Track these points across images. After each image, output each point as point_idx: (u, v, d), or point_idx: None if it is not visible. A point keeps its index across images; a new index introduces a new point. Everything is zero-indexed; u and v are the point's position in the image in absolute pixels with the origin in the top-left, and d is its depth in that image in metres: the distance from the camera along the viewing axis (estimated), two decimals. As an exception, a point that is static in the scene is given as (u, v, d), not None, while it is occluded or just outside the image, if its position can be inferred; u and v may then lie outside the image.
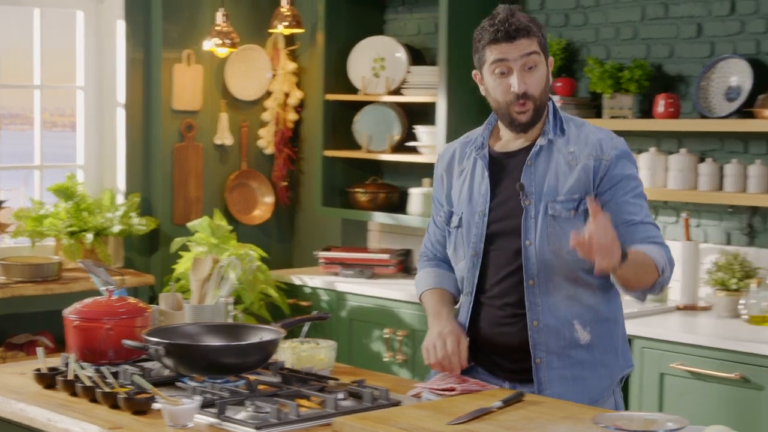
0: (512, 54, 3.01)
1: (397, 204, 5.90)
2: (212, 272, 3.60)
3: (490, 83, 3.08)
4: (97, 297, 3.41)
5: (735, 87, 4.76)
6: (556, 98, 5.14)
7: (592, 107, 5.16)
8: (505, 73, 3.04)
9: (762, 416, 4.15)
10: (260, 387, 3.01)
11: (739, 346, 4.17)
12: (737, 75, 4.76)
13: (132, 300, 3.42)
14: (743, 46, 4.82)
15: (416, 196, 5.67)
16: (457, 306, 3.25)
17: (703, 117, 4.79)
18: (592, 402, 3.02)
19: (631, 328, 4.09)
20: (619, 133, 3.27)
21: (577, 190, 3.02)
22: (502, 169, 3.11)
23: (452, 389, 2.97)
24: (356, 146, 5.94)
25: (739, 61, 4.75)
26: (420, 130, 5.62)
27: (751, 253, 4.73)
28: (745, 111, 4.67)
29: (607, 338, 3.09)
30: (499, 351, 3.11)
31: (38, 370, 3.16)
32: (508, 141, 3.13)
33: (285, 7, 6.07)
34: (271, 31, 6.15)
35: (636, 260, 2.89)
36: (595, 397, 3.05)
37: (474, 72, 3.15)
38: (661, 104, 4.82)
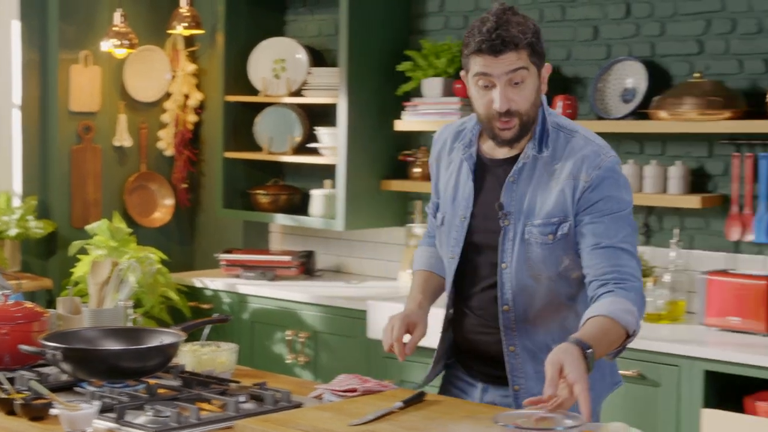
0: (496, 69, 2.77)
1: (299, 205, 5.90)
2: (111, 275, 3.56)
3: (473, 93, 2.86)
4: (-7, 302, 3.35)
5: (631, 89, 4.85)
6: (455, 100, 5.18)
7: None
8: (488, 87, 2.81)
9: (659, 412, 4.23)
10: (160, 391, 2.98)
11: (635, 344, 4.22)
12: (633, 77, 4.84)
13: (29, 304, 3.37)
14: (638, 48, 4.91)
15: (318, 197, 5.67)
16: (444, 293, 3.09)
17: (600, 118, 4.87)
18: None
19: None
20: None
21: (555, 213, 2.83)
22: (488, 176, 2.94)
23: (354, 390, 2.97)
24: (257, 148, 5.92)
25: (635, 63, 4.83)
26: (321, 131, 5.63)
27: (647, 252, 4.81)
28: (641, 112, 4.75)
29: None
30: (477, 356, 3.01)
31: (-68, 377, 3.10)
32: (495, 146, 2.93)
33: (184, 8, 6.03)
34: (170, 32, 6.11)
35: (606, 346, 2.66)
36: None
37: (462, 73, 2.92)
38: (559, 105, 4.88)
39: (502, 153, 2.91)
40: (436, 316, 3.10)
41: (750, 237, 4.60)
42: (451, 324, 3.05)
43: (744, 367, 4.07)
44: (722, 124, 4.49)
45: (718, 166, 4.73)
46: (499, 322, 2.91)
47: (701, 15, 4.74)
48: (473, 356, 3.02)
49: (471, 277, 2.96)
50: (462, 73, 2.90)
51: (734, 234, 4.63)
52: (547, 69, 2.87)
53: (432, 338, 3.09)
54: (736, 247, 4.69)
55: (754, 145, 4.61)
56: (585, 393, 2.48)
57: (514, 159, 2.90)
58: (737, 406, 4.13)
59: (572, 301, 2.91)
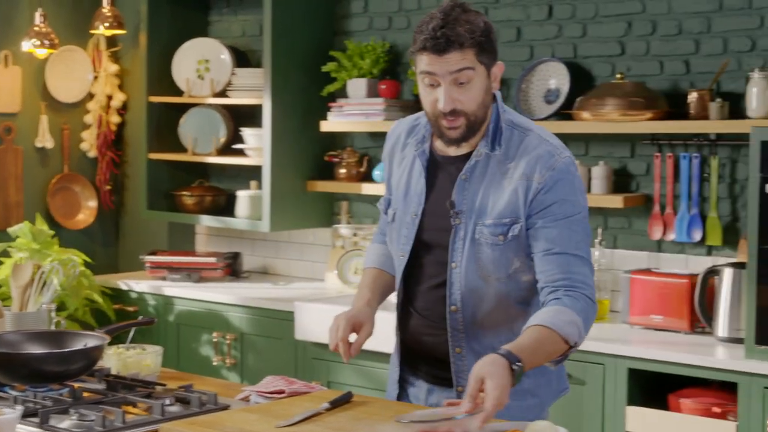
0: (440, 69, 2.72)
1: (224, 207, 5.87)
2: (34, 278, 3.52)
3: (420, 90, 2.81)
4: None
5: (554, 89, 4.89)
6: (380, 101, 5.19)
7: (416, 110, 5.22)
8: (433, 85, 2.76)
9: (584, 411, 4.27)
10: (85, 394, 2.96)
11: (560, 342, 4.28)
12: (556, 78, 4.89)
13: (-51, 309, 3.32)
14: (561, 49, 4.95)
15: (243, 198, 5.65)
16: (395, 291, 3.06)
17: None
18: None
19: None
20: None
21: (507, 214, 2.78)
22: (440, 174, 2.89)
23: (281, 392, 2.96)
24: (182, 149, 5.88)
25: (557, 64, 4.88)
26: (246, 132, 5.61)
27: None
28: (564, 113, 4.80)
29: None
30: (422, 356, 2.96)
31: None
32: None
33: (106, 8, 5.98)
34: (92, 32, 6.05)
35: (541, 357, 2.65)
36: (522, 426, 2.81)
37: (412, 68, 2.83)
38: (483, 106, 4.91)
39: (455, 150, 2.86)
40: (388, 319, 3.09)
41: (672, 236, 4.66)
42: (398, 324, 3.01)
43: (667, 365, 4.12)
44: (644, 124, 4.55)
45: (640, 166, 4.79)
46: (446, 323, 2.86)
47: (622, 17, 4.80)
48: (419, 356, 2.97)
49: (420, 276, 2.91)
50: (412, 69, 2.83)
51: (656, 233, 4.69)
52: (499, 67, 2.82)
53: (380, 342, 3.07)
54: (659, 247, 4.76)
55: (675, 145, 4.67)
56: (489, 411, 2.45)
57: (467, 156, 2.85)
58: (661, 404, 4.19)
59: (523, 306, 2.86)
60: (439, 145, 2.90)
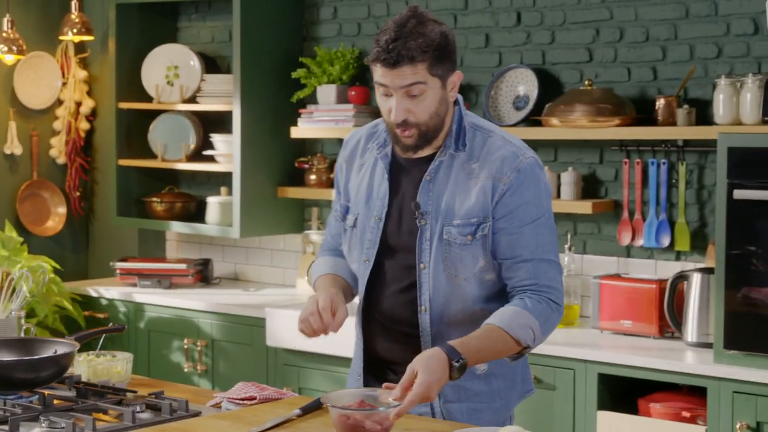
0: (392, 82, 2.74)
1: (195, 213, 5.86)
2: (3, 285, 3.51)
3: (377, 97, 2.83)
4: None
5: (523, 96, 4.92)
6: (349, 107, 5.20)
7: (387, 115, 5.24)
8: (388, 95, 2.78)
9: (554, 416, 4.29)
10: (55, 402, 2.94)
11: (530, 347, 4.30)
12: (524, 84, 4.91)
13: None
14: (530, 56, 4.98)
15: (214, 205, 5.65)
16: (354, 293, 3.05)
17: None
18: None
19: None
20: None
21: (475, 213, 2.80)
22: (403, 176, 2.90)
23: (252, 398, 2.96)
24: (152, 155, 5.87)
25: (526, 70, 4.90)
26: (216, 138, 5.60)
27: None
28: (533, 119, 4.82)
29: (504, 366, 2.90)
30: (389, 365, 2.94)
31: None
32: None
33: (74, 14, 5.96)
34: (61, 38, 6.03)
35: (488, 355, 2.73)
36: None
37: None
38: (452, 112, 4.92)
39: (419, 153, 2.87)
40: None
41: (640, 242, 4.69)
42: (362, 334, 3.00)
43: (637, 370, 4.15)
44: (612, 130, 4.57)
45: (609, 172, 4.82)
46: (415, 326, 2.86)
47: (590, 24, 4.83)
48: (384, 365, 2.96)
49: (384, 281, 2.90)
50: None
51: (625, 239, 4.72)
52: (458, 76, 2.83)
53: (351, 347, 3.06)
54: (628, 252, 4.79)
55: (643, 151, 4.70)
56: (405, 406, 2.53)
57: (430, 158, 2.86)
58: (631, 408, 4.21)
59: (487, 305, 2.86)
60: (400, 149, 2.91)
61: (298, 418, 2.78)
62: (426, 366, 2.59)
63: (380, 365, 2.98)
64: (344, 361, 4.57)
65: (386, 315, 2.93)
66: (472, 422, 2.86)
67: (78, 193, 6.22)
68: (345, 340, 3.16)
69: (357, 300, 3.03)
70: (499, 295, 2.88)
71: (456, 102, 2.88)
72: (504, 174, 2.80)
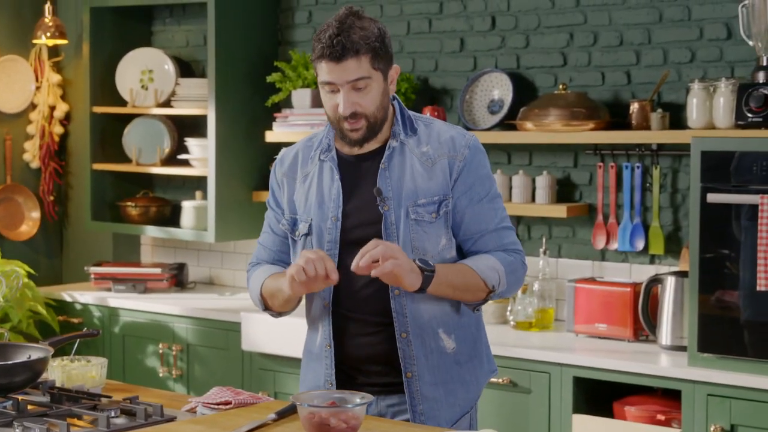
0: (339, 77, 2.85)
1: (169, 217, 5.85)
2: (-23, 291, 3.49)
3: (322, 96, 2.94)
4: None
5: (497, 100, 4.93)
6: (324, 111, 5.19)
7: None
8: (334, 91, 2.89)
9: (530, 419, 4.30)
10: (29, 407, 2.93)
11: (506, 351, 4.31)
12: (499, 88, 4.92)
13: None
14: (504, 60, 4.99)
15: (188, 209, 5.63)
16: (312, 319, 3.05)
17: (468, 129, 4.93)
18: (463, 413, 2.98)
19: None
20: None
21: (436, 191, 2.93)
22: (354, 173, 2.98)
23: (227, 403, 2.96)
24: (126, 159, 5.85)
25: (501, 75, 4.92)
26: (191, 142, 5.59)
27: (515, 260, 4.88)
28: (508, 123, 4.83)
29: (470, 345, 3.02)
30: (363, 363, 2.98)
31: None
32: None
33: (48, 18, 5.94)
34: (34, 41, 6.01)
35: (455, 281, 2.87)
36: (466, 408, 3.00)
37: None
38: (427, 116, 4.92)
39: (367, 146, 2.98)
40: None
41: (615, 245, 4.71)
42: (332, 338, 2.98)
43: (612, 373, 4.16)
44: (586, 134, 4.59)
45: (584, 176, 4.84)
46: (389, 313, 2.92)
47: (564, 28, 4.84)
48: (358, 364, 2.99)
49: (350, 278, 2.90)
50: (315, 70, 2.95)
51: (600, 242, 4.74)
52: (395, 70, 2.97)
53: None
54: (602, 256, 4.80)
55: (617, 155, 4.72)
56: (369, 256, 2.74)
57: (376, 151, 2.97)
58: (606, 411, 4.22)
59: None
60: (346, 148, 3.00)
61: (273, 423, 2.78)
62: (395, 250, 2.77)
63: (350, 369, 3.00)
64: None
65: (358, 310, 2.97)
66: (449, 401, 2.97)
67: (52, 198, 6.20)
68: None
69: (317, 308, 3.02)
70: None
71: (393, 98, 3.00)
72: (458, 152, 2.96)
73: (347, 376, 3.01)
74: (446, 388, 2.98)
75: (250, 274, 3.16)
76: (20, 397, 2.97)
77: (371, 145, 2.98)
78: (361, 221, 2.95)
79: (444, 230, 2.94)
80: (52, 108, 6.15)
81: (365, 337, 2.97)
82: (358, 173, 2.98)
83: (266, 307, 3.09)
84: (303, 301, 3.08)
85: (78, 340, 3.44)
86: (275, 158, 5.51)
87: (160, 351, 5.29)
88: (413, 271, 2.79)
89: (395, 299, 2.92)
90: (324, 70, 2.87)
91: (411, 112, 3.04)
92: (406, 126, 2.99)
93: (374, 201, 2.93)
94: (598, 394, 4.27)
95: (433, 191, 2.93)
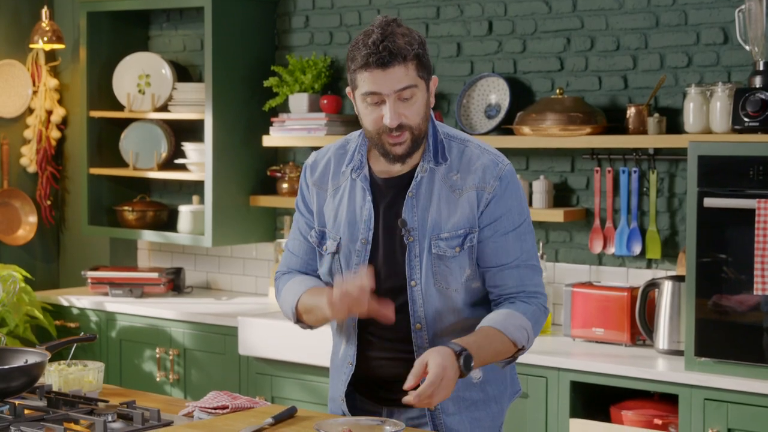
0: (385, 86, 2.70)
1: (167, 222, 5.85)
2: (-27, 296, 3.49)
3: (361, 109, 2.79)
4: None
5: (494, 105, 4.93)
6: (321, 116, 5.20)
7: (358, 125, 5.23)
8: (378, 103, 2.74)
9: (527, 423, 4.30)
10: (26, 412, 2.93)
11: (502, 355, 4.31)
12: (496, 93, 4.93)
13: None
14: (501, 65, 4.99)
15: (185, 213, 5.63)
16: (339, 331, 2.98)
17: (465, 133, 4.93)
18: None
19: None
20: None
21: (462, 225, 2.80)
22: (384, 196, 2.86)
23: (224, 407, 2.96)
24: (123, 164, 5.85)
25: (498, 79, 4.92)
26: (188, 147, 5.59)
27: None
28: (505, 128, 4.84)
29: (496, 372, 2.93)
30: (382, 382, 2.92)
31: None
32: (387, 164, 2.85)
33: (45, 22, 5.94)
34: (31, 46, 6.01)
35: (488, 355, 2.74)
36: None
37: (347, 89, 2.83)
38: (424, 121, 4.93)
39: (396, 170, 2.85)
40: (327, 332, 3.06)
41: (612, 250, 4.71)
42: (356, 357, 2.93)
43: (609, 377, 4.16)
44: (583, 139, 4.59)
45: (581, 180, 4.84)
46: (410, 344, 2.86)
47: (561, 33, 4.85)
48: (377, 384, 2.94)
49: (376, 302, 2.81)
50: (348, 90, 2.83)
51: (597, 247, 4.74)
52: (434, 81, 2.83)
53: (323, 356, 3.03)
54: (599, 260, 4.80)
55: (614, 160, 4.72)
56: (429, 384, 2.59)
57: (409, 175, 2.85)
58: (603, 416, 4.22)
59: (476, 314, 2.87)
60: (377, 168, 2.88)
61: (270, 427, 2.78)
62: (437, 353, 2.64)
63: (373, 386, 2.95)
64: (316, 370, 4.57)
65: (382, 335, 2.90)
66: (475, 431, 2.90)
67: (49, 202, 6.20)
68: (316, 348, 3.16)
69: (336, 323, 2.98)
70: (484, 302, 2.91)
71: (430, 116, 2.87)
72: (487, 183, 2.81)
73: (369, 389, 2.96)
74: (470, 417, 2.91)
75: (280, 284, 3.04)
76: (17, 402, 2.97)
77: (402, 168, 2.84)
78: (387, 248, 2.85)
79: (469, 262, 2.84)
80: (49, 112, 6.15)
81: (387, 361, 2.90)
82: (388, 196, 2.86)
83: (299, 320, 2.98)
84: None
85: (75, 344, 3.44)
86: (275, 167, 5.56)
87: (157, 355, 5.29)
88: (455, 370, 2.65)
89: (416, 333, 2.86)
90: (367, 81, 2.72)
91: (445, 129, 2.90)
92: (437, 152, 2.84)
93: (400, 228, 2.83)
94: (595, 399, 4.27)
95: (458, 225, 2.81)
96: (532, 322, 2.82)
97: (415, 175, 2.84)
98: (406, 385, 2.62)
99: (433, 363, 2.62)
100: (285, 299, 2.99)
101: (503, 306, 2.84)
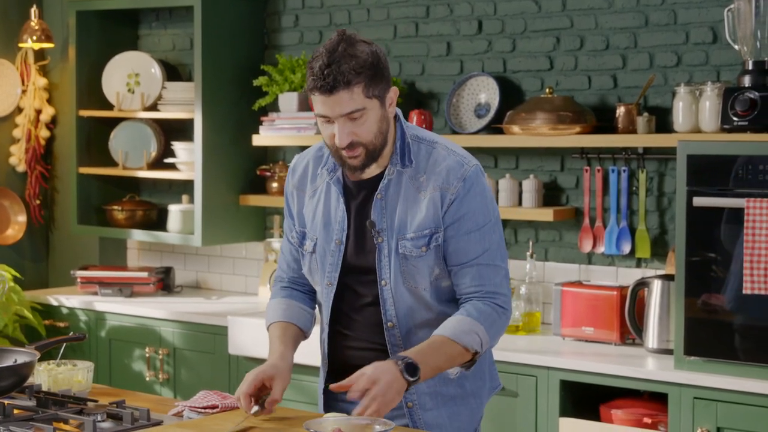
0: (332, 111, 2.75)
1: (156, 221, 5.84)
2: (-38, 295, 3.48)
3: (318, 124, 2.84)
4: None
5: (484, 104, 4.93)
6: (311, 115, 5.19)
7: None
8: (329, 122, 2.79)
9: (517, 422, 4.30)
10: (15, 412, 2.93)
11: (494, 356, 4.31)
12: (486, 92, 4.93)
13: None
14: (491, 64, 5.00)
15: (175, 213, 5.63)
16: (307, 335, 3.07)
17: (455, 133, 4.94)
18: None
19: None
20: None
21: (427, 225, 2.85)
22: (356, 198, 2.94)
23: (214, 407, 2.96)
24: (112, 163, 5.85)
25: (487, 78, 4.92)
26: (177, 146, 5.59)
27: (502, 264, 4.89)
28: (495, 127, 4.84)
29: (475, 366, 2.94)
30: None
31: None
32: None
33: (34, 21, 5.93)
34: (20, 45, 6.00)
35: (439, 362, 2.79)
36: (470, 429, 2.99)
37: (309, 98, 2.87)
38: (414, 120, 4.94)
39: (367, 173, 2.90)
40: (317, 332, 3.10)
41: (601, 249, 4.71)
42: (329, 351, 3.00)
43: (598, 376, 4.17)
44: (573, 138, 4.60)
45: (570, 179, 4.85)
46: (383, 340, 2.91)
47: (551, 32, 4.85)
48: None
49: (350, 300, 2.95)
50: (309, 99, 2.88)
51: (586, 246, 4.74)
52: (394, 92, 2.85)
53: (310, 355, 3.08)
54: (589, 259, 4.81)
55: (603, 159, 4.73)
56: (364, 402, 2.67)
57: (379, 177, 2.91)
58: (593, 415, 4.23)
59: (447, 311, 2.90)
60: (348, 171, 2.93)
61: (259, 427, 2.77)
62: (374, 366, 2.72)
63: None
64: (307, 370, 4.57)
65: (356, 334, 2.96)
66: (454, 425, 2.94)
67: (38, 202, 6.19)
68: (305, 348, 3.16)
69: (320, 319, 3.05)
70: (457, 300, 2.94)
71: (396, 117, 2.92)
72: (450, 184, 2.85)
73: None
74: (449, 412, 2.95)
75: (273, 294, 3.14)
76: (6, 402, 2.96)
77: (372, 171, 2.90)
78: (360, 249, 2.92)
79: (436, 261, 2.88)
80: (38, 111, 6.14)
81: (360, 359, 2.91)
82: (359, 198, 2.93)
83: None
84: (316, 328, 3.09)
85: (64, 344, 3.44)
86: (265, 166, 5.56)
87: (147, 355, 5.28)
88: (399, 392, 2.71)
89: (389, 331, 2.91)
90: (317, 103, 2.78)
91: (414, 131, 2.94)
92: (404, 155, 2.89)
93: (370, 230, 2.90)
94: (584, 398, 4.27)
95: (423, 225, 2.86)
96: (486, 325, 2.83)
97: (383, 178, 2.90)
98: (332, 387, 2.75)
99: (364, 377, 2.70)
100: (268, 315, 3.09)
101: (462, 308, 2.87)
